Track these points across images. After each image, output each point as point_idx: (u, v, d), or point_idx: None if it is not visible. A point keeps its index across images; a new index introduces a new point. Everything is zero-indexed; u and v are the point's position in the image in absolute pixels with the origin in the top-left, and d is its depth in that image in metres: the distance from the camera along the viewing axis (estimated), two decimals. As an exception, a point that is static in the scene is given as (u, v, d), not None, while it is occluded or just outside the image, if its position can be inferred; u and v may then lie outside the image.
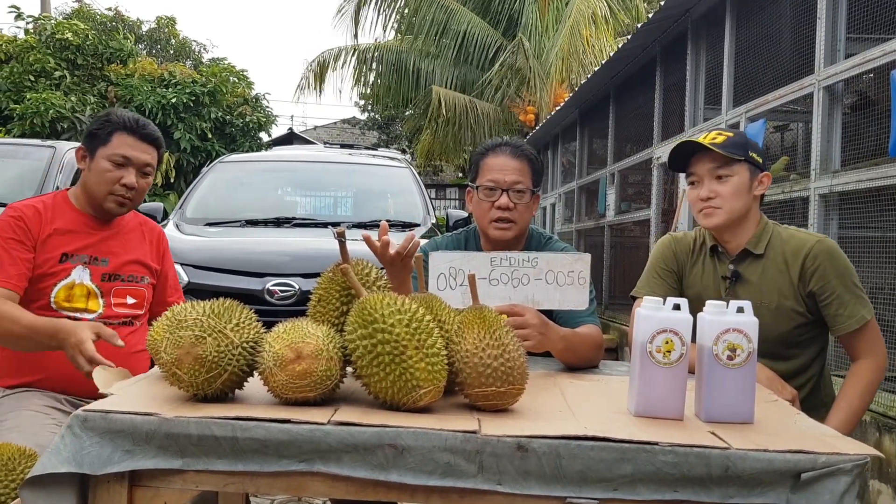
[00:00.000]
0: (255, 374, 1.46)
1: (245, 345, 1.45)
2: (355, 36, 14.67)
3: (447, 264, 1.96)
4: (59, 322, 2.03)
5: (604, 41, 11.95)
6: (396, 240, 2.00)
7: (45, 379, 2.16)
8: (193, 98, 12.14)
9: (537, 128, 11.20)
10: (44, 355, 2.13)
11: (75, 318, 2.16)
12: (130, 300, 2.31)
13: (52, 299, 2.17)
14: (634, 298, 2.23)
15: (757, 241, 2.13)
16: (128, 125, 2.25)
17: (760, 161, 2.13)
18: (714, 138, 2.10)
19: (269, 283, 3.95)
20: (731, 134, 2.12)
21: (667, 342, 1.46)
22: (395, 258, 1.98)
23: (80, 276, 2.22)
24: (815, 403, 2.14)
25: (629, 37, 6.45)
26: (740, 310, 1.51)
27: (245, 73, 13.87)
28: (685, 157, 2.16)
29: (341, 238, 1.59)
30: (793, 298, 2.08)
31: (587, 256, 2.01)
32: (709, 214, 2.12)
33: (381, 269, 1.74)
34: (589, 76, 7.93)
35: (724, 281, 2.16)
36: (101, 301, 2.24)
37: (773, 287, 2.10)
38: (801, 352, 2.13)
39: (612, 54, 6.99)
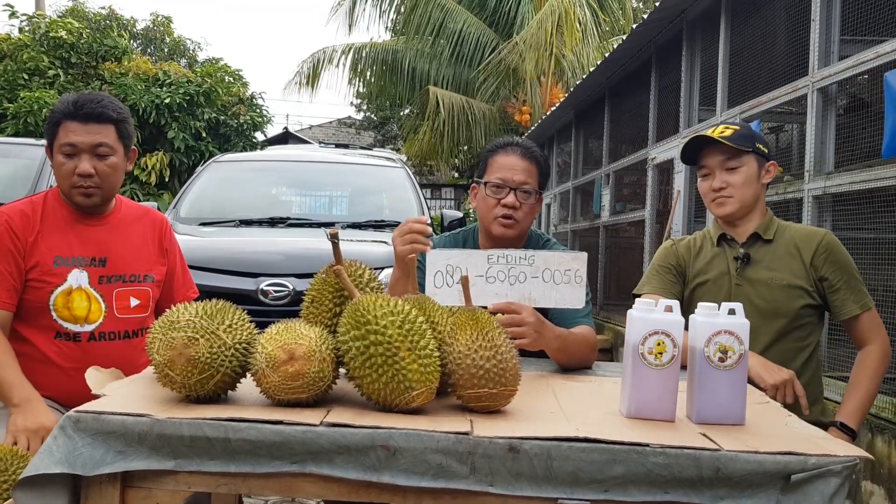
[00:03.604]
0: (248, 375, 1.46)
1: (238, 346, 1.45)
2: (348, 34, 14.68)
3: (444, 262, 1.96)
4: (20, 389, 1.92)
5: (579, 43, 11.88)
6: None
7: (54, 396, 2.06)
8: (188, 98, 12.10)
9: (532, 128, 11.20)
10: (53, 372, 2.05)
11: (76, 332, 2.07)
12: (134, 302, 2.17)
13: (52, 307, 2.06)
14: (636, 297, 2.26)
15: (766, 227, 2.23)
16: (67, 111, 2.06)
17: (766, 151, 2.23)
18: (723, 132, 2.20)
19: (264, 284, 3.94)
20: (738, 127, 2.22)
21: (658, 344, 1.47)
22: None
23: (78, 279, 2.08)
24: (816, 396, 2.20)
25: (624, 37, 6.45)
26: (732, 312, 1.52)
27: (240, 73, 13.82)
28: (695, 150, 2.25)
29: (334, 239, 1.59)
30: (804, 278, 2.17)
31: (584, 255, 2.01)
32: (721, 203, 2.22)
33: (374, 269, 1.74)
34: (584, 77, 7.94)
35: (736, 262, 2.23)
36: (103, 306, 2.11)
37: (784, 266, 2.19)
38: (805, 335, 2.20)
39: (606, 55, 7.00)
